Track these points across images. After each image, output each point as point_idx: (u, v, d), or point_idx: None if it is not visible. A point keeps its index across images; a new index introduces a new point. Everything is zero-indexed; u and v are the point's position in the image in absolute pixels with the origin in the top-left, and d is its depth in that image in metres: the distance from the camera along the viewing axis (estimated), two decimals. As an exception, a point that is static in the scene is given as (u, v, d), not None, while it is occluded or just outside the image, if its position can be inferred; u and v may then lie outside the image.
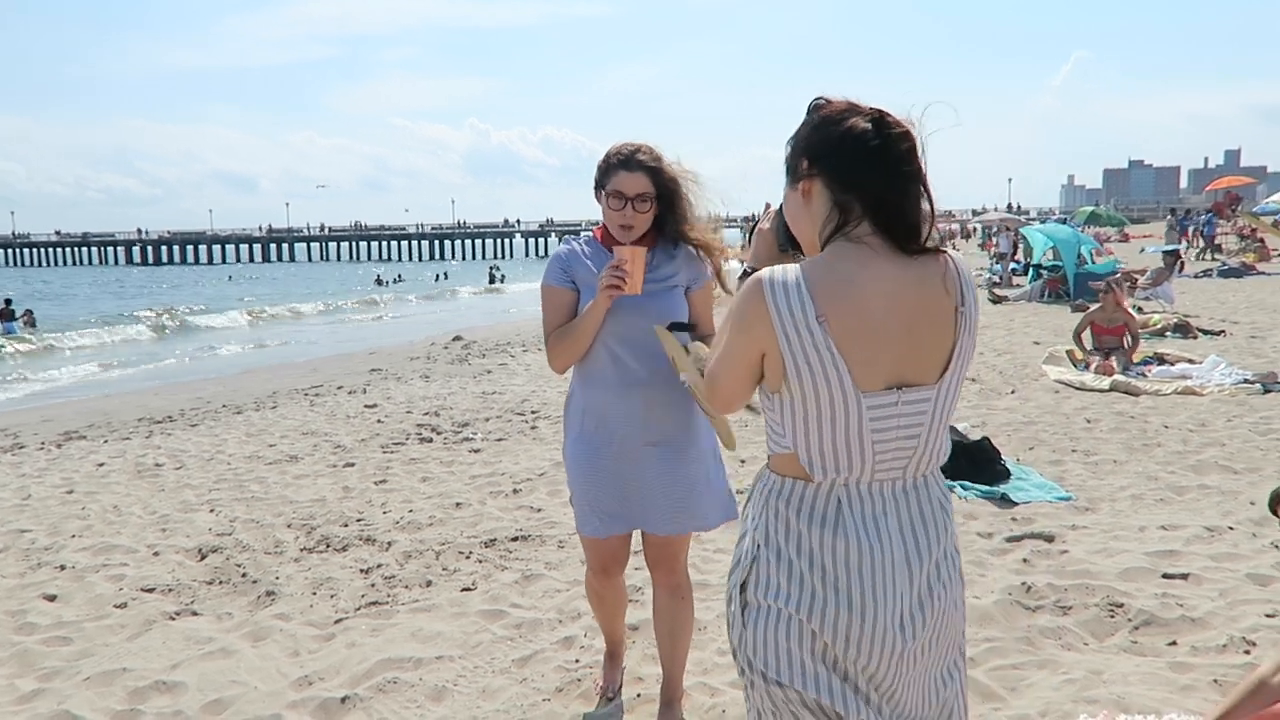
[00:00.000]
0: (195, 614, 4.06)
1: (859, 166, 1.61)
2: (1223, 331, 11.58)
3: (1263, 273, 21.23)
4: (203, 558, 4.80)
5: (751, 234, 1.97)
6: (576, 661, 3.40)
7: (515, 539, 4.84)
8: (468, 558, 4.60)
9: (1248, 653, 3.22)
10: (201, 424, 8.96)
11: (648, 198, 2.63)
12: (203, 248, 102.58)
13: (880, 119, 1.61)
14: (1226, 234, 34.09)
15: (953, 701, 1.71)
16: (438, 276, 50.93)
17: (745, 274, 1.84)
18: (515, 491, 5.80)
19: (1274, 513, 2.47)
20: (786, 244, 1.85)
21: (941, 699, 1.68)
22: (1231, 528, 4.46)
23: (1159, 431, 6.57)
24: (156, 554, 4.88)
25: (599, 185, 2.68)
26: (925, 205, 1.63)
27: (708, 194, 2.71)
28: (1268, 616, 3.48)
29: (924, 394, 1.62)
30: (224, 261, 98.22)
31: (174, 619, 4.00)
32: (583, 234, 2.89)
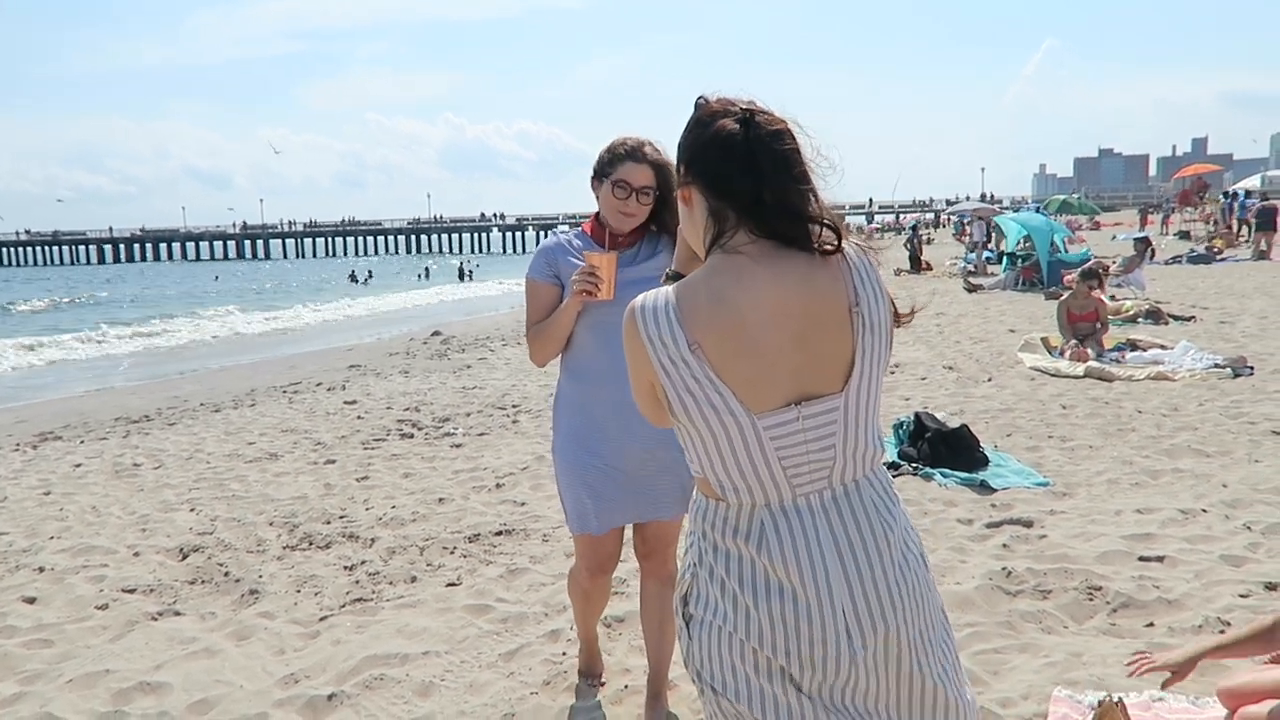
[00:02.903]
0: (178, 614, 4.04)
1: (726, 172, 1.51)
2: (1193, 317, 11.74)
3: (1231, 258, 21.54)
4: (184, 557, 4.77)
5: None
6: (563, 654, 3.41)
7: (499, 533, 4.84)
8: (452, 553, 4.60)
9: (1222, 632, 3.28)
10: (179, 423, 8.88)
11: (650, 190, 2.66)
12: (176, 245, 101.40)
13: (749, 118, 1.51)
14: (1194, 221, 34.54)
15: (943, 694, 1.60)
16: (419, 275, 50.69)
17: (668, 276, 1.78)
18: (498, 486, 5.80)
19: None
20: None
21: (927, 693, 1.59)
22: (1205, 510, 4.54)
23: (1133, 416, 6.67)
24: (137, 554, 4.85)
25: (600, 174, 2.70)
26: (810, 205, 1.52)
27: None
28: (1241, 597, 3.55)
29: (829, 404, 1.52)
30: (197, 259, 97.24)
31: (156, 619, 3.98)
32: (560, 228, 2.89)
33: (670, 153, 2.73)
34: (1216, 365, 8.15)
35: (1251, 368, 8.04)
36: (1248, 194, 30.01)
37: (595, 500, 2.74)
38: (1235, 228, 26.94)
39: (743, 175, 1.50)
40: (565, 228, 2.96)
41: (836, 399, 1.53)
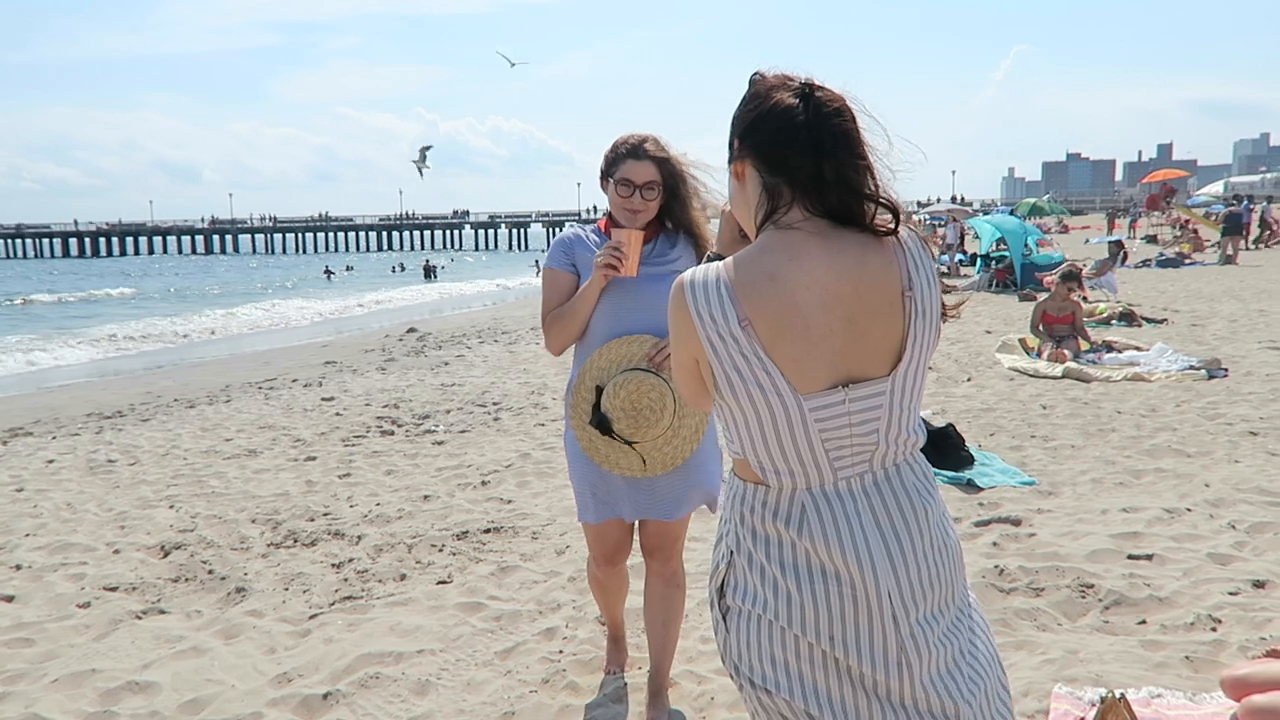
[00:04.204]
0: (163, 612, 3.96)
1: (784, 146, 1.49)
2: (1165, 320, 11.90)
3: (1198, 262, 21.89)
4: (165, 555, 4.69)
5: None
6: (560, 653, 3.39)
7: (487, 531, 4.81)
8: (440, 550, 4.56)
9: (1214, 630, 3.32)
10: (153, 419, 8.74)
11: (654, 186, 2.68)
12: (143, 239, 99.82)
13: (809, 92, 1.49)
14: (1161, 225, 35.09)
15: (984, 679, 1.58)
16: (394, 268, 50.55)
17: (709, 258, 1.77)
18: (484, 483, 5.75)
19: None
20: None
21: (961, 683, 1.55)
22: (1189, 509, 4.60)
23: (1112, 417, 6.74)
24: (117, 551, 4.76)
25: (606, 174, 2.73)
26: (869, 183, 1.49)
27: (717, 183, 2.74)
28: (1231, 595, 3.59)
29: (876, 388, 1.50)
30: (164, 253, 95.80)
31: (141, 618, 3.91)
32: (569, 224, 2.90)
33: (673, 148, 2.76)
34: (1191, 367, 8.26)
35: (1225, 369, 8.16)
36: (1251, 199, 30.31)
37: (598, 493, 2.76)
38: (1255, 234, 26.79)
39: (802, 150, 1.47)
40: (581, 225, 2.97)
41: (883, 383, 1.51)
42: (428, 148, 63.87)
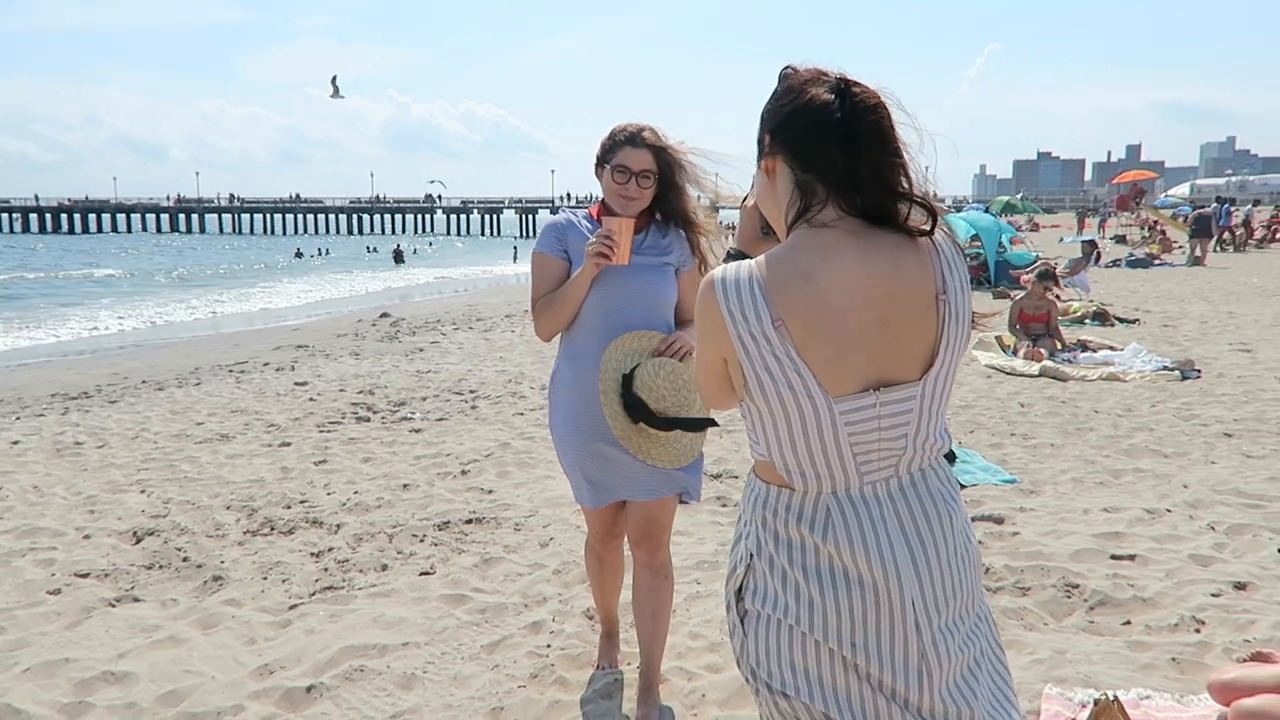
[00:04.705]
0: (137, 600, 3.87)
1: (819, 143, 1.45)
2: (1137, 320, 12.05)
3: (1166, 263, 22.20)
4: (138, 541, 4.59)
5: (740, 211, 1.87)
6: (548, 647, 3.34)
7: (469, 521, 4.75)
8: (422, 541, 4.49)
9: (1198, 631, 3.35)
10: (121, 400, 8.57)
11: (650, 174, 2.67)
12: (106, 217, 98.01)
13: (845, 88, 1.45)
14: (1131, 226, 35.54)
15: (993, 689, 1.59)
16: (368, 248, 50.41)
17: (729, 255, 1.74)
18: (464, 473, 5.69)
19: None
20: (769, 227, 1.70)
21: (978, 690, 1.56)
22: (1169, 510, 4.64)
23: (1090, 416, 6.80)
24: (87, 537, 4.64)
25: (602, 161, 2.71)
26: (904, 182, 1.46)
27: (710, 173, 2.72)
28: (1213, 596, 3.62)
29: (907, 392, 1.47)
30: (129, 231, 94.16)
31: (114, 605, 3.81)
32: (564, 210, 2.86)
33: (670, 138, 2.73)
34: (1165, 368, 8.36)
35: (1199, 370, 8.26)
36: (1232, 201, 30.63)
37: (591, 481, 2.76)
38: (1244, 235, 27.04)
39: (838, 148, 1.44)
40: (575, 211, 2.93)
41: (914, 387, 1.48)
42: (335, 76, 73.07)
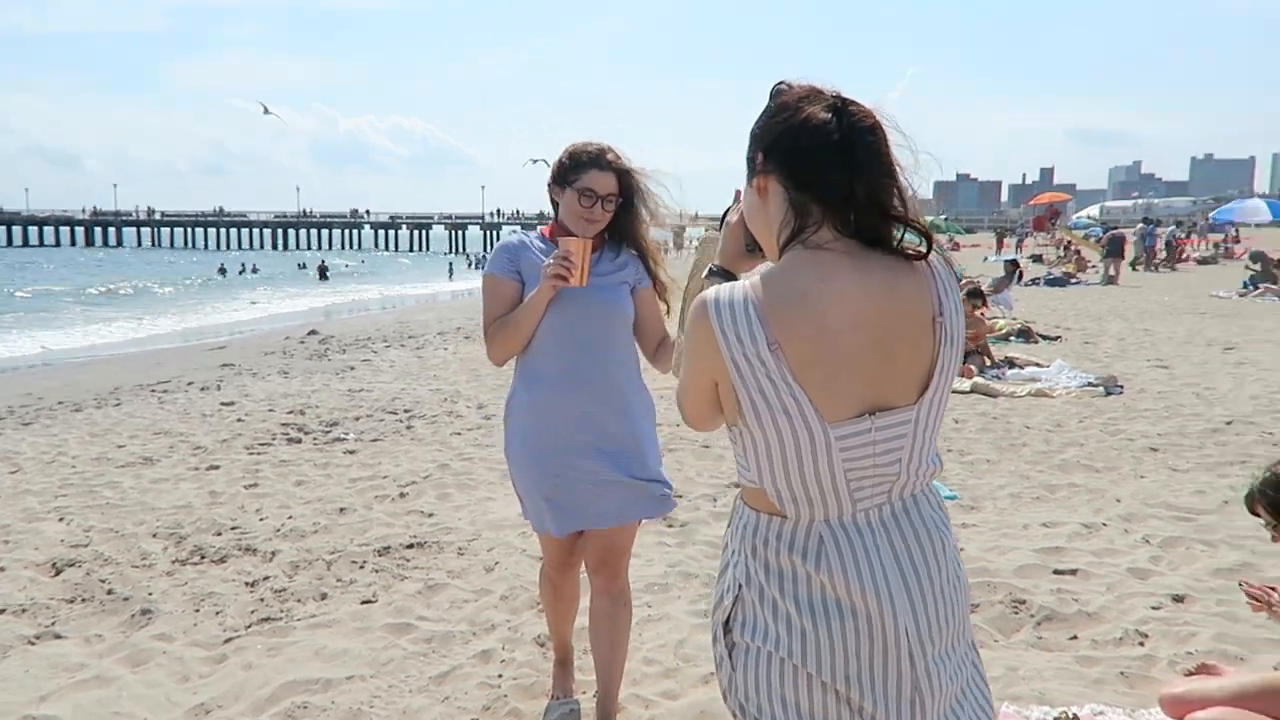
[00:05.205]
0: (59, 637, 3.66)
1: (816, 163, 1.42)
2: (1059, 337, 12.41)
3: (1082, 282, 22.99)
4: (58, 572, 4.35)
5: (721, 227, 1.83)
6: (499, 677, 3.25)
7: (410, 546, 4.62)
8: (362, 567, 4.35)
9: (1142, 644, 3.41)
10: (35, 422, 8.18)
11: (614, 198, 2.64)
12: (17, 229, 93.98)
13: (841, 106, 1.43)
14: (1047, 245, 36.71)
15: (982, 713, 1.59)
16: (300, 265, 49.40)
17: (712, 272, 1.70)
18: (402, 496, 5.54)
19: (1253, 512, 2.60)
20: (754, 244, 1.66)
21: (970, 714, 1.56)
22: (1105, 524, 4.75)
23: (1022, 432, 6.95)
24: (1, 569, 4.39)
25: (562, 180, 2.64)
26: (897, 203, 1.44)
27: (670, 193, 2.69)
28: (1154, 609, 3.70)
29: (902, 416, 1.45)
30: (41, 245, 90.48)
31: (34, 643, 3.60)
32: (505, 229, 2.80)
33: (630, 160, 2.69)
34: (1090, 384, 8.61)
35: (1121, 386, 8.53)
36: (1158, 223, 31.77)
37: (551, 506, 2.67)
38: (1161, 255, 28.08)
39: (835, 168, 1.41)
40: (515, 229, 2.87)
41: (909, 411, 1.46)
42: (264, 105, 71.56)
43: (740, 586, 1.52)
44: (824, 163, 1.42)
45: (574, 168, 2.62)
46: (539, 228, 2.82)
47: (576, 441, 2.62)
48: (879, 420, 1.44)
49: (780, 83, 1.51)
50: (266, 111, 69.47)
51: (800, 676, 1.46)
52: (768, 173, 1.49)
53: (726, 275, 1.65)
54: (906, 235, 1.46)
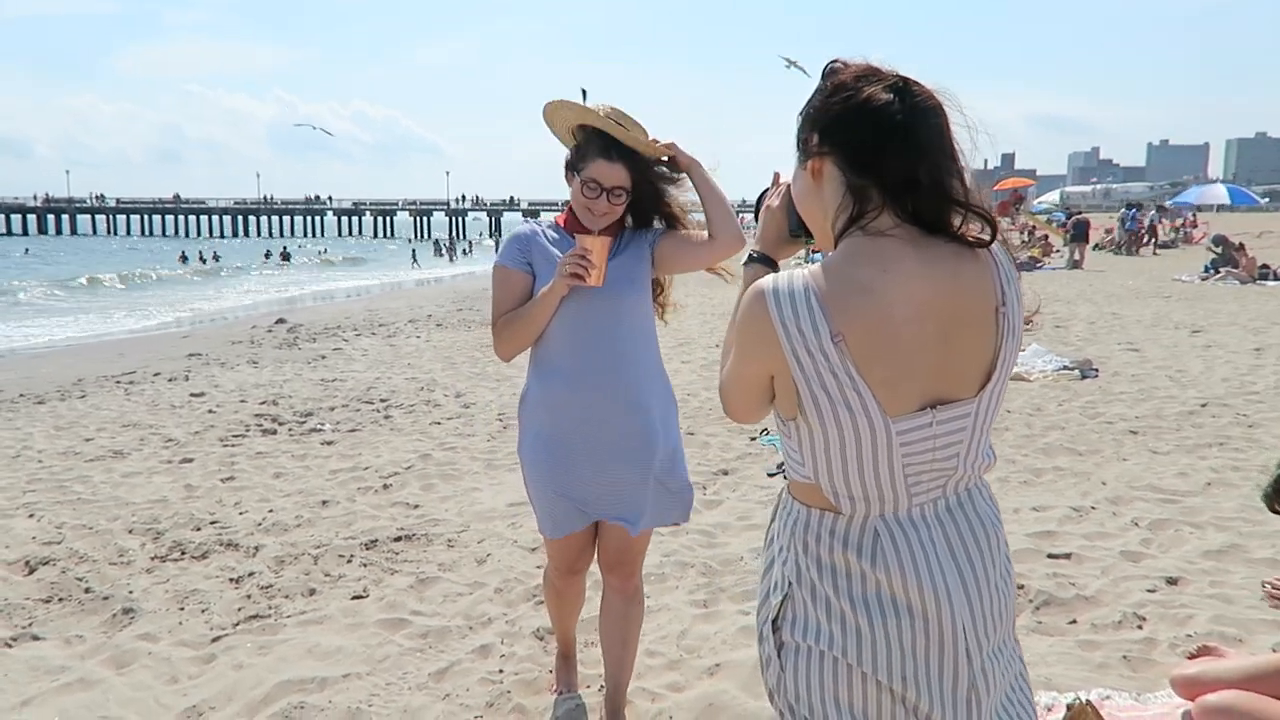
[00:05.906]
0: (37, 638, 3.54)
1: (878, 146, 1.36)
2: (1031, 321, 12.48)
3: (1047, 266, 23.26)
4: (31, 571, 4.21)
5: (758, 211, 1.75)
6: (500, 672, 3.18)
7: (398, 539, 4.53)
8: (349, 561, 4.26)
9: (1140, 628, 3.42)
10: (-3, 416, 7.95)
11: (622, 191, 2.48)
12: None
13: (905, 87, 1.37)
14: (1012, 230, 37.08)
15: (1029, 706, 1.57)
16: (266, 253, 48.50)
17: (751, 258, 1.63)
18: (385, 487, 5.44)
19: (1274, 511, 2.58)
20: (798, 228, 1.59)
21: (1018, 707, 1.54)
22: (1094, 507, 4.77)
23: (1004, 416, 6.97)
24: (-29, 569, 4.24)
25: (573, 167, 2.51)
26: (959, 189, 1.38)
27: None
28: (1149, 592, 3.71)
29: (962, 409, 1.40)
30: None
31: (11, 646, 3.47)
32: (531, 218, 2.69)
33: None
34: (1065, 367, 8.67)
35: (1096, 370, 8.60)
36: (1140, 207, 32.14)
37: (566, 506, 2.56)
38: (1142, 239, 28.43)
39: (898, 151, 1.35)
40: (523, 217, 2.76)
41: (970, 404, 1.41)
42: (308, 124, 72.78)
43: (790, 584, 1.48)
44: (886, 145, 1.36)
45: (582, 155, 2.49)
46: (552, 216, 2.70)
47: (590, 442, 2.52)
48: (940, 414, 1.40)
49: (834, 60, 1.44)
50: (315, 129, 69.01)
51: (855, 676, 1.41)
52: (823, 155, 1.42)
53: (767, 261, 1.58)
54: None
